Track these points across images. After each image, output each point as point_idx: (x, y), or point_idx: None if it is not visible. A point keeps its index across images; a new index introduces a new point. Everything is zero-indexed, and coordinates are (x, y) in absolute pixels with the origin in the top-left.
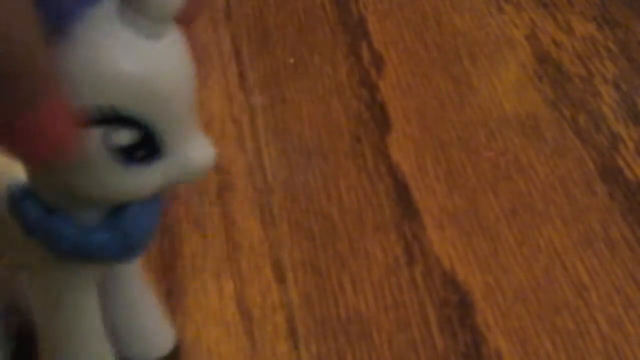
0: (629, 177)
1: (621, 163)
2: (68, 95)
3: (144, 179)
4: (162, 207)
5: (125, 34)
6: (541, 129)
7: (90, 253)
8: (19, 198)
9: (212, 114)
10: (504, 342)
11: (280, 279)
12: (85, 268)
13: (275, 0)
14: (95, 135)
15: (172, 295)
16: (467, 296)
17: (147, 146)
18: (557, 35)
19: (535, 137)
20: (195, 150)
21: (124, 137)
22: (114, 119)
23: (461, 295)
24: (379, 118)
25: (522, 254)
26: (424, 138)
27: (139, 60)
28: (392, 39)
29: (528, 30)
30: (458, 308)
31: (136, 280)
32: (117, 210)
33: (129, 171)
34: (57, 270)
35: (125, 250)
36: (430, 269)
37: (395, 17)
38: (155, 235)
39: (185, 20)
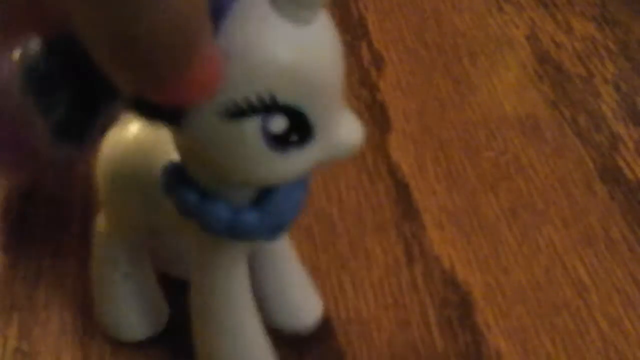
0: (629, 177)
1: (621, 163)
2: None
3: (296, 162)
4: (307, 186)
5: (276, 20)
6: (541, 129)
7: (242, 233)
8: (173, 180)
9: None
10: (504, 342)
11: None
12: (236, 245)
13: None
14: (253, 123)
15: None
16: (467, 296)
17: (300, 131)
18: (557, 35)
19: (535, 137)
20: (345, 130)
21: (280, 123)
22: (270, 106)
23: (461, 295)
24: (379, 118)
25: (522, 254)
26: (424, 138)
27: (291, 46)
28: (392, 39)
29: (528, 30)
30: (458, 308)
31: (286, 253)
32: (267, 192)
33: (282, 156)
34: (210, 245)
35: (274, 230)
36: (430, 269)
37: (395, 17)
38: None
39: None
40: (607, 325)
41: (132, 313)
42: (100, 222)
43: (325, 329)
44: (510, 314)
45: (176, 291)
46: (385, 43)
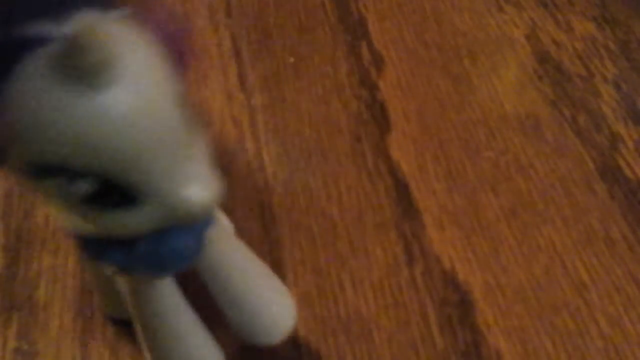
0: (629, 176)
1: (621, 163)
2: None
3: (130, 221)
4: (204, 230)
5: (57, 89)
6: (541, 129)
7: (133, 270)
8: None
9: (212, 114)
10: (504, 341)
11: (281, 278)
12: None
13: (275, 0)
14: (58, 183)
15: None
16: (467, 296)
17: (114, 194)
18: (557, 35)
19: (535, 137)
20: (186, 192)
21: (82, 187)
22: (66, 170)
23: (461, 295)
24: (379, 118)
25: (522, 253)
26: (424, 138)
27: (74, 114)
28: (392, 39)
29: (528, 30)
30: (458, 308)
31: (239, 262)
32: (157, 233)
33: (107, 215)
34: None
35: (158, 268)
36: (430, 269)
37: (395, 17)
38: (199, 253)
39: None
40: (607, 324)
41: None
42: None
43: (324, 328)
44: (510, 313)
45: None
46: (385, 43)
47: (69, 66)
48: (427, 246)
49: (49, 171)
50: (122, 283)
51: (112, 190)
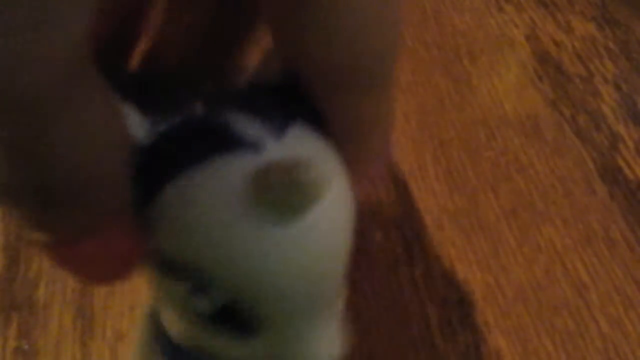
0: (629, 176)
1: (621, 163)
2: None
3: (234, 351)
4: None
5: (238, 204)
6: (541, 129)
7: None
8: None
9: None
10: (504, 341)
11: None
12: None
13: None
14: (182, 287)
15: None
16: (467, 296)
17: (235, 321)
18: (557, 35)
19: (535, 137)
20: (316, 350)
21: (205, 304)
22: (199, 283)
23: (461, 295)
24: None
25: (522, 253)
26: (424, 138)
27: (241, 235)
28: None
29: (528, 30)
30: (458, 308)
31: None
32: None
33: (216, 335)
34: None
35: None
36: (430, 269)
37: None
38: None
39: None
40: (607, 325)
41: None
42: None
43: None
44: (510, 313)
45: None
46: None
47: (270, 193)
48: (427, 246)
49: (176, 271)
50: None
51: (228, 316)
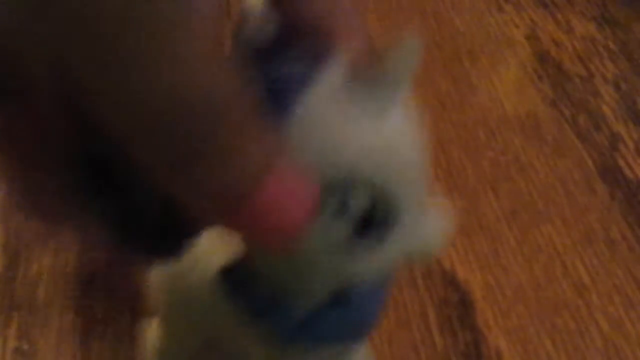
0: (629, 176)
1: (621, 163)
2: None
3: (380, 256)
4: (389, 286)
5: (351, 109)
6: (541, 129)
7: (319, 336)
8: (238, 284)
9: None
10: (504, 341)
11: None
12: (305, 355)
13: None
14: (329, 206)
15: None
16: (467, 296)
17: (379, 220)
18: (557, 35)
19: (535, 137)
20: (429, 224)
21: (360, 203)
22: (348, 184)
23: (461, 295)
24: None
25: (522, 253)
26: (424, 137)
27: (366, 136)
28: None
29: (528, 30)
30: (458, 308)
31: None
32: (345, 292)
33: (360, 249)
34: (278, 358)
35: (356, 332)
36: (430, 269)
37: (395, 17)
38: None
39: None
40: (607, 325)
41: None
42: (153, 336)
43: None
44: (510, 313)
45: None
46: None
47: (371, 88)
48: None
49: (333, 187)
50: None
51: (375, 217)
